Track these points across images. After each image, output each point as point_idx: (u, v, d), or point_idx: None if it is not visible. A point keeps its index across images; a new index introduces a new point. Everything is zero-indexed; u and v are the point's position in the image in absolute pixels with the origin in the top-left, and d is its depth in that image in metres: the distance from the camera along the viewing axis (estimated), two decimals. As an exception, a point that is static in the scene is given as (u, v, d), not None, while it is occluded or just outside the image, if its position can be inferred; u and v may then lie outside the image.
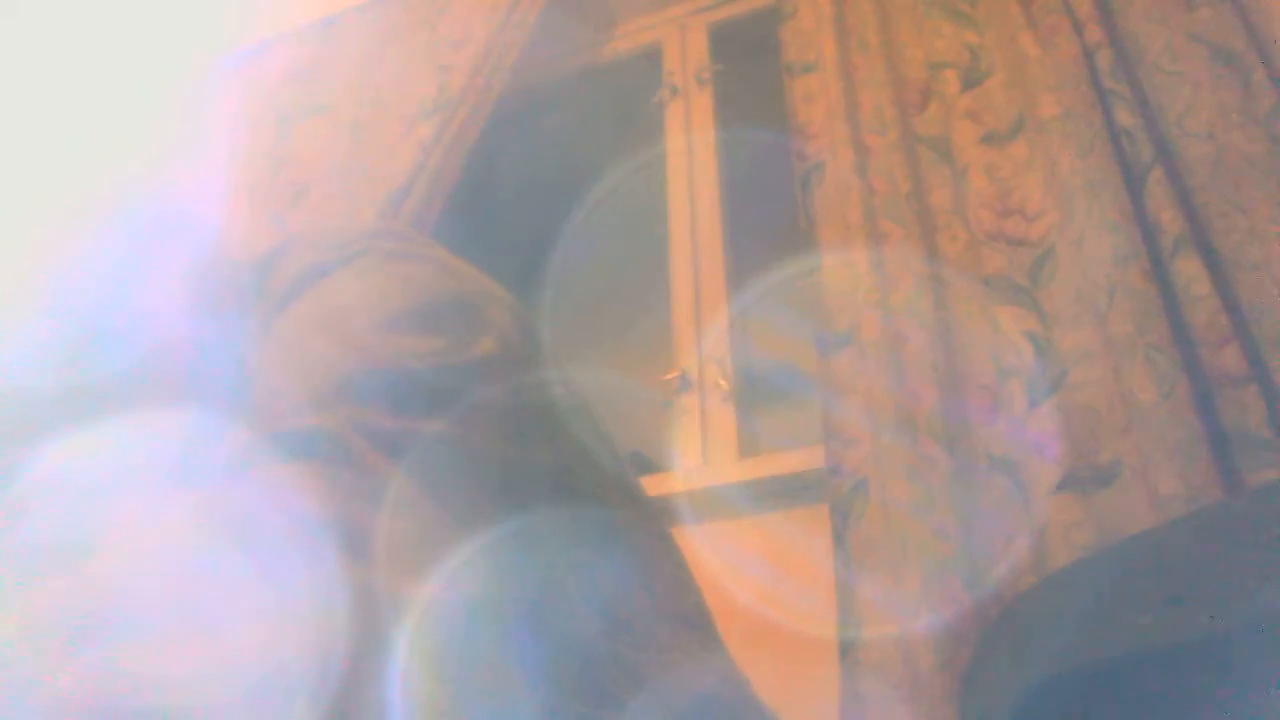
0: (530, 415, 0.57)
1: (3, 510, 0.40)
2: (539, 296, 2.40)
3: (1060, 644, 0.73)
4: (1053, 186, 1.41)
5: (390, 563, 0.40)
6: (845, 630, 1.18)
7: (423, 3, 2.08)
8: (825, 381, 1.37)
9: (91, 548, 0.35)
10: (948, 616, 1.12)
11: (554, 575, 0.53)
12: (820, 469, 1.36)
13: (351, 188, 1.81)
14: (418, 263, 0.59)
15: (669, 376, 1.77)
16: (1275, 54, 1.32)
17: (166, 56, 2.08)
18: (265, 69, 2.16)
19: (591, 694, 0.49)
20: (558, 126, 2.43)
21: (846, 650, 1.17)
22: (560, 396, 0.60)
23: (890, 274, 1.40)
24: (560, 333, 2.24)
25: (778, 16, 1.78)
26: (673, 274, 1.89)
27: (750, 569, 1.42)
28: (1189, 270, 1.22)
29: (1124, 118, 1.36)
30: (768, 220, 1.89)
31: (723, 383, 1.72)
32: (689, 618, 0.61)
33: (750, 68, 2.12)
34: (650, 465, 1.82)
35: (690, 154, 2.02)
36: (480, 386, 0.53)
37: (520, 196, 2.52)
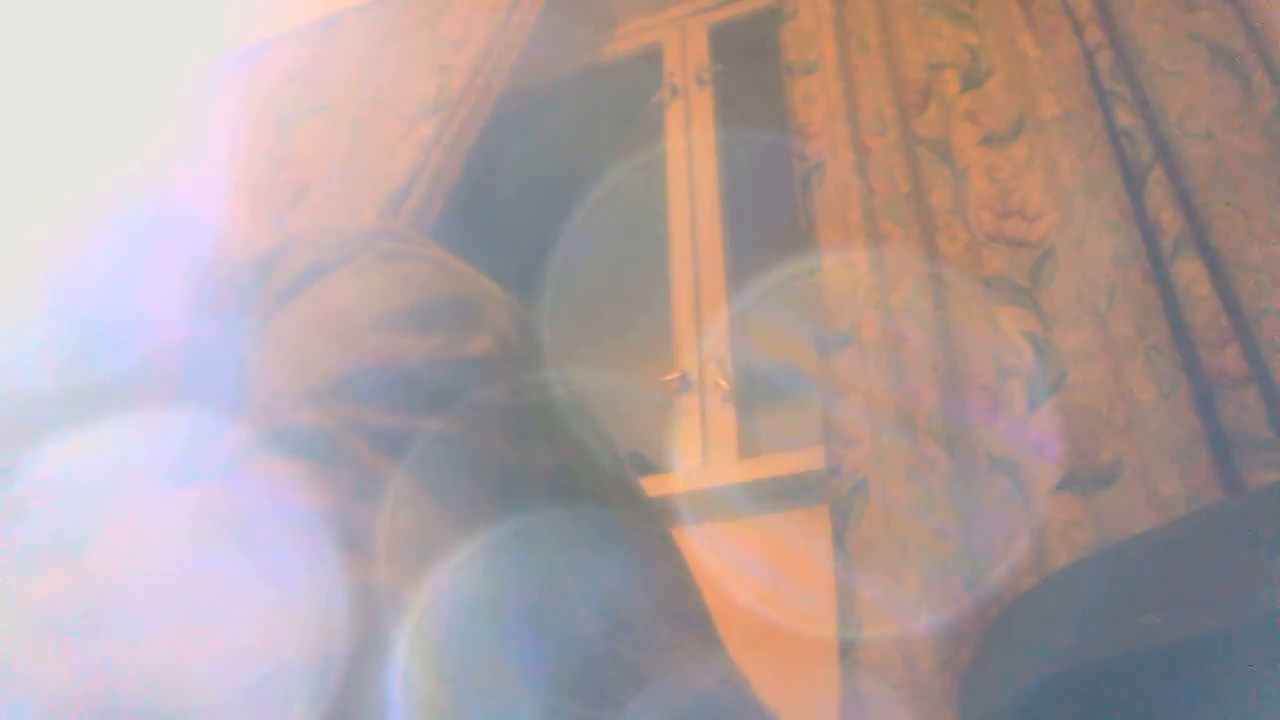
0: (530, 415, 0.57)
1: (3, 510, 0.40)
2: (539, 296, 2.40)
3: (1060, 644, 0.73)
4: (1053, 187, 1.41)
5: (390, 562, 0.40)
6: (845, 630, 1.18)
7: (423, 3, 2.08)
8: (825, 381, 1.37)
9: (91, 547, 0.35)
10: (948, 616, 1.12)
11: (554, 575, 0.53)
12: (820, 469, 1.36)
13: (351, 188, 1.81)
14: (416, 262, 0.59)
15: (669, 377, 1.77)
16: (1275, 54, 1.32)
17: (166, 56, 2.08)
18: (265, 69, 2.16)
19: (591, 694, 0.49)
20: (558, 126, 2.43)
21: (846, 650, 1.17)
22: (560, 396, 0.60)
23: (890, 274, 1.40)
24: (560, 333, 2.24)
25: (778, 17, 1.78)
26: (673, 274, 1.89)
27: (750, 569, 1.42)
28: (1189, 271, 1.22)
29: (1124, 118, 1.36)
30: (768, 220, 1.89)
31: (723, 383, 1.72)
32: (689, 618, 0.61)
33: (750, 68, 2.12)
34: (650, 465, 1.82)
35: (690, 154, 2.02)
36: (479, 386, 0.53)
37: (520, 196, 2.52)
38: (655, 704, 0.51)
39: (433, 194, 1.73)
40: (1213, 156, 1.30)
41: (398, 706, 0.36)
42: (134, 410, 0.50)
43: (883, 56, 1.63)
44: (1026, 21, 1.55)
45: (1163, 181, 1.29)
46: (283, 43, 2.21)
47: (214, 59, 2.21)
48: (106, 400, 0.52)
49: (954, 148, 1.51)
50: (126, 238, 0.65)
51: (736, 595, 1.34)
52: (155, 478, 0.40)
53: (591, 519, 0.58)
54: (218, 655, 0.33)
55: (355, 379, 0.49)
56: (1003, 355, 1.31)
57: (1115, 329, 1.23)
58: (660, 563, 0.62)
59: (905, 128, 1.55)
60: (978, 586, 1.14)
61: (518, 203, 2.52)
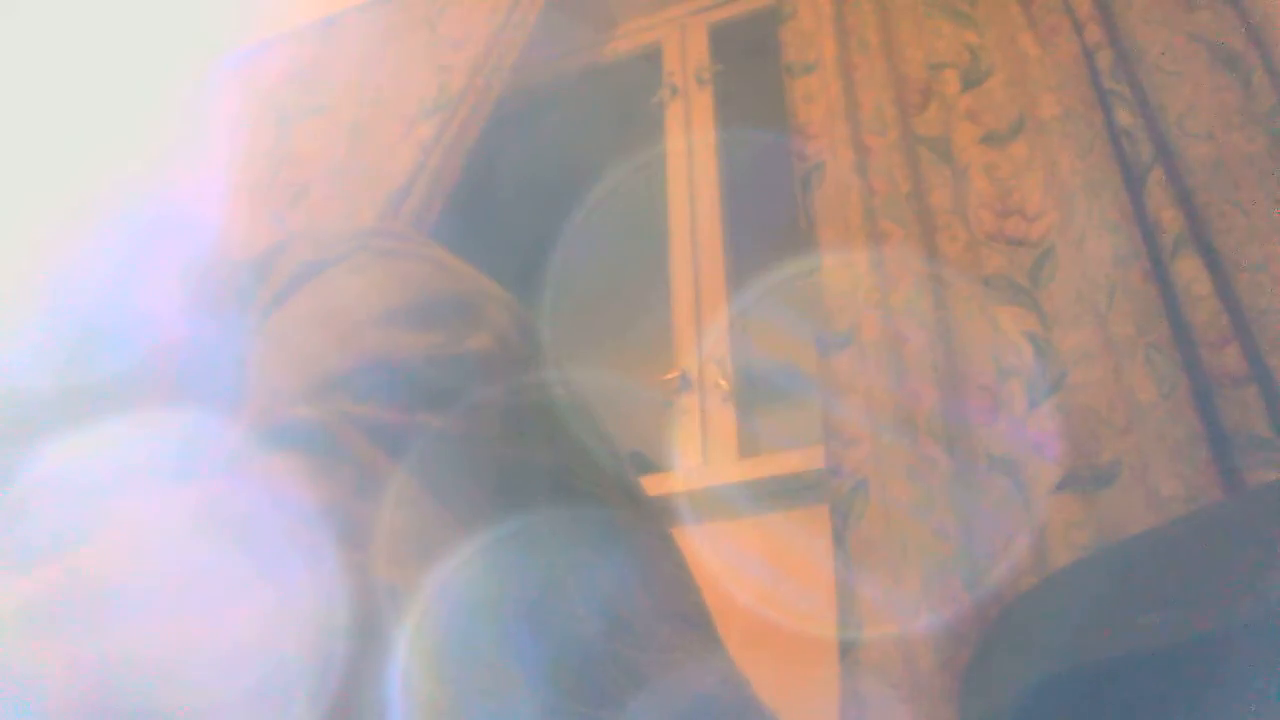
0: (530, 415, 0.57)
1: (3, 510, 0.40)
2: (539, 296, 2.40)
3: (1060, 644, 0.73)
4: (1053, 187, 1.41)
5: (390, 561, 0.40)
6: (845, 630, 1.18)
7: (423, 3, 2.08)
8: (825, 381, 1.37)
9: (89, 547, 0.35)
10: (948, 616, 1.12)
11: (554, 575, 0.53)
12: (820, 469, 1.36)
13: (351, 188, 1.81)
14: (415, 261, 0.59)
15: (669, 376, 1.77)
16: (1275, 54, 1.32)
17: (166, 56, 2.08)
18: (265, 69, 2.16)
19: (591, 694, 0.49)
20: (558, 126, 2.42)
21: (846, 650, 1.17)
22: (560, 396, 0.60)
23: (890, 274, 1.40)
24: (560, 333, 2.24)
25: (778, 16, 1.78)
26: (673, 274, 1.89)
27: (750, 569, 1.42)
28: (1189, 270, 1.22)
29: (1124, 118, 1.36)
30: (768, 220, 1.89)
31: (723, 383, 1.72)
32: (689, 617, 0.61)
33: (750, 68, 2.12)
34: (650, 465, 1.82)
35: (690, 154, 2.02)
36: (478, 384, 0.52)
37: (520, 196, 2.52)
38: (655, 704, 0.51)
39: (433, 194, 1.73)
40: (1213, 156, 1.30)
41: (398, 706, 0.36)
42: (134, 410, 0.50)
43: (883, 56, 1.63)
44: (1026, 21, 1.55)
45: (1163, 181, 1.29)
46: (283, 43, 2.21)
47: (214, 59, 2.21)
48: (106, 400, 0.52)
49: (954, 147, 1.51)
50: (126, 238, 0.65)
51: (736, 595, 1.34)
52: (154, 478, 0.40)
53: (591, 519, 0.58)
54: (217, 654, 0.33)
55: (354, 375, 0.49)
56: (1003, 355, 1.31)
57: (1115, 328, 1.23)
58: (660, 562, 0.62)
59: (905, 127, 1.55)
60: (978, 586, 1.14)
61: (518, 203, 2.52)
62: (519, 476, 0.54)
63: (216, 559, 0.36)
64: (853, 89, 1.61)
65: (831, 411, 1.34)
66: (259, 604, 0.35)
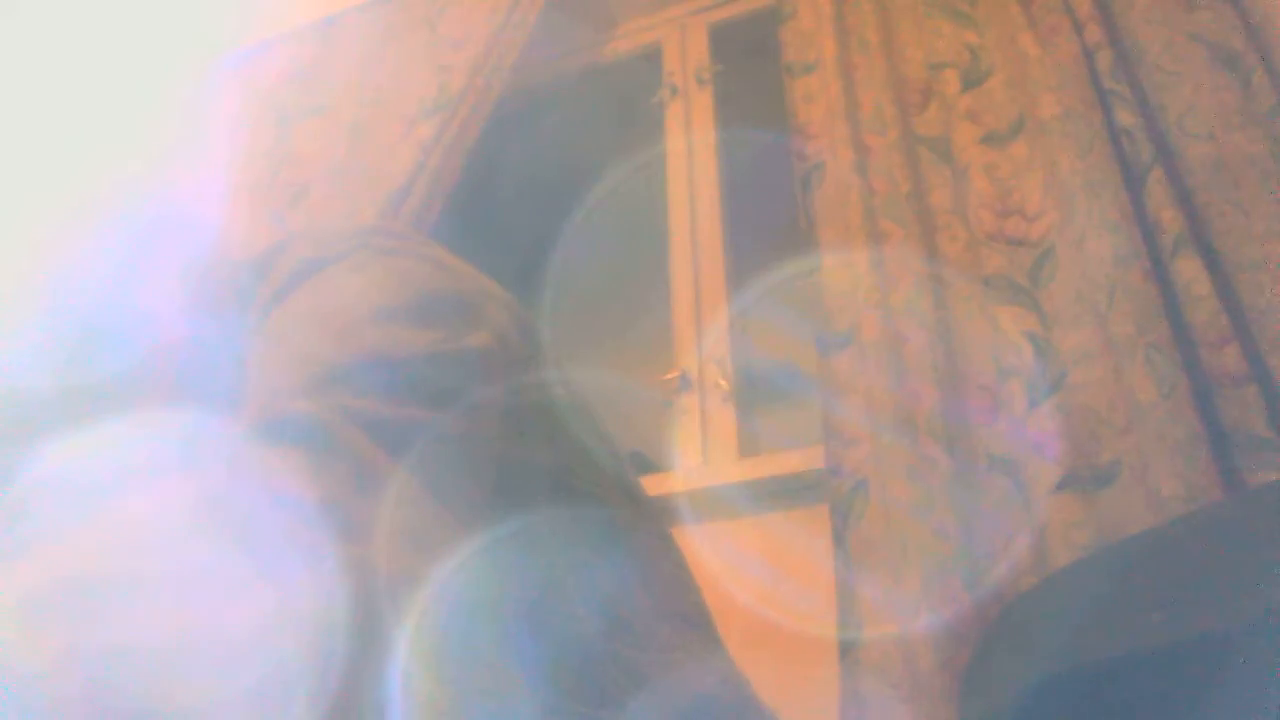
0: (530, 415, 0.57)
1: (3, 510, 0.40)
2: (539, 296, 2.40)
3: (1060, 644, 0.72)
4: (1053, 186, 1.41)
5: (390, 561, 0.40)
6: (845, 630, 1.18)
7: (423, 3, 2.08)
8: (825, 381, 1.37)
9: (87, 542, 0.35)
10: (948, 616, 1.12)
11: (554, 575, 0.53)
12: (820, 469, 1.36)
13: (351, 188, 1.81)
14: (415, 260, 0.59)
15: (669, 376, 1.77)
16: (1275, 54, 1.32)
17: (166, 56, 2.08)
18: (265, 69, 2.16)
19: (591, 694, 0.49)
20: (558, 126, 2.42)
21: (846, 650, 1.17)
22: (560, 396, 0.60)
23: (890, 274, 1.40)
24: (560, 333, 2.24)
25: (778, 16, 1.78)
26: (673, 274, 1.89)
27: (750, 569, 1.42)
28: (1189, 270, 1.22)
29: (1124, 118, 1.36)
30: (768, 220, 1.89)
31: (723, 383, 1.72)
32: (689, 617, 0.61)
33: (750, 68, 2.12)
34: (650, 465, 1.82)
35: (690, 154, 2.01)
36: (477, 382, 0.52)
37: (520, 196, 2.52)
38: (655, 704, 0.51)
39: (433, 194, 1.73)
40: (1213, 156, 1.30)
41: (398, 706, 0.36)
42: (134, 410, 0.50)
43: (883, 56, 1.63)
44: (1026, 21, 1.55)
45: (1163, 181, 1.29)
46: (283, 43, 2.21)
47: (214, 59, 2.21)
48: (106, 400, 0.52)
49: (954, 147, 1.51)
50: (126, 238, 0.65)
51: (736, 595, 1.34)
52: (154, 478, 0.40)
53: (591, 519, 0.58)
54: (216, 652, 0.33)
55: (352, 371, 0.49)
56: (1003, 355, 1.31)
57: (1115, 328, 1.23)
58: (660, 562, 0.62)
59: (905, 127, 1.55)
60: (978, 586, 1.14)
61: (518, 203, 2.52)
62: (519, 476, 0.54)
63: (214, 555, 0.36)
64: (853, 89, 1.61)
65: (831, 411, 1.34)
66: (257, 601, 0.35)
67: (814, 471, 1.44)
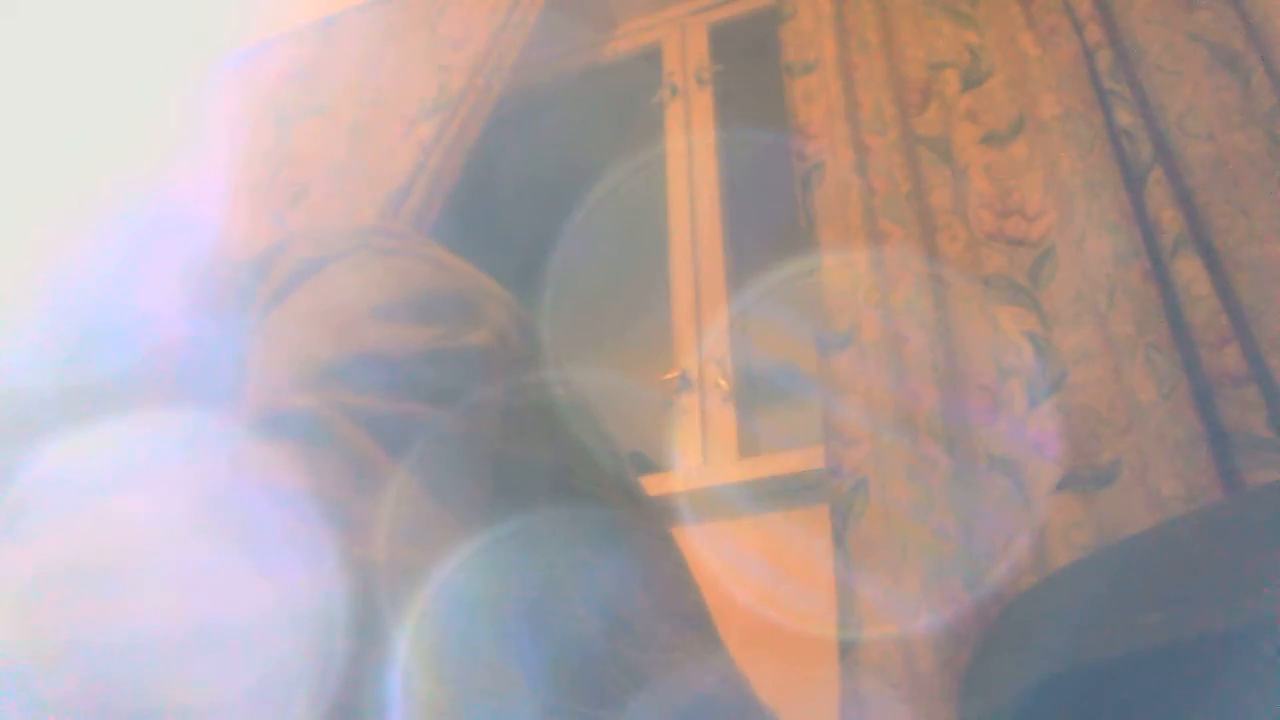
0: (530, 415, 0.57)
1: (3, 510, 0.40)
2: (539, 296, 2.40)
3: (1060, 644, 0.73)
4: (1053, 186, 1.41)
5: (390, 560, 0.40)
6: (845, 630, 1.18)
7: (423, 3, 2.08)
8: (825, 381, 1.37)
9: (88, 544, 0.35)
10: (948, 616, 1.12)
11: (554, 575, 0.53)
12: (820, 469, 1.36)
13: (351, 188, 1.81)
14: (415, 259, 0.59)
15: (669, 376, 1.77)
16: (1275, 54, 1.32)
17: (166, 56, 2.08)
18: (265, 69, 2.16)
19: (591, 694, 0.49)
20: (558, 126, 2.42)
21: (846, 650, 1.17)
22: (560, 396, 0.60)
23: (890, 274, 1.40)
24: (560, 333, 2.24)
25: (778, 16, 1.78)
26: (673, 274, 1.89)
27: (750, 569, 1.42)
28: (1189, 270, 1.22)
29: (1124, 118, 1.36)
30: (768, 220, 1.89)
31: (723, 383, 1.72)
32: (689, 617, 0.61)
33: (750, 68, 2.12)
34: (650, 465, 1.82)
35: (690, 154, 2.02)
36: (477, 380, 0.52)
37: (520, 196, 2.52)
38: (655, 703, 0.51)
39: (433, 194, 1.73)
40: (1213, 156, 1.30)
41: (398, 706, 0.36)
42: (134, 410, 0.50)
43: (883, 56, 1.63)
44: (1026, 21, 1.55)
45: (1162, 181, 1.29)
46: (283, 43, 2.21)
47: (214, 59, 2.21)
48: (106, 400, 0.52)
49: (954, 147, 1.51)
50: (126, 238, 0.65)
51: (736, 595, 1.34)
52: (154, 478, 0.40)
53: (591, 519, 0.58)
54: (217, 651, 0.33)
55: (351, 367, 0.49)
56: (1003, 355, 1.31)
57: (1115, 328, 1.23)
58: (660, 562, 0.62)
59: (905, 127, 1.55)
60: (978, 586, 1.14)
61: (518, 203, 2.52)
62: (519, 476, 0.54)
63: (213, 550, 0.36)
64: (853, 89, 1.61)
65: (831, 411, 1.34)
66: (256, 597, 0.35)
67: (814, 471, 1.44)
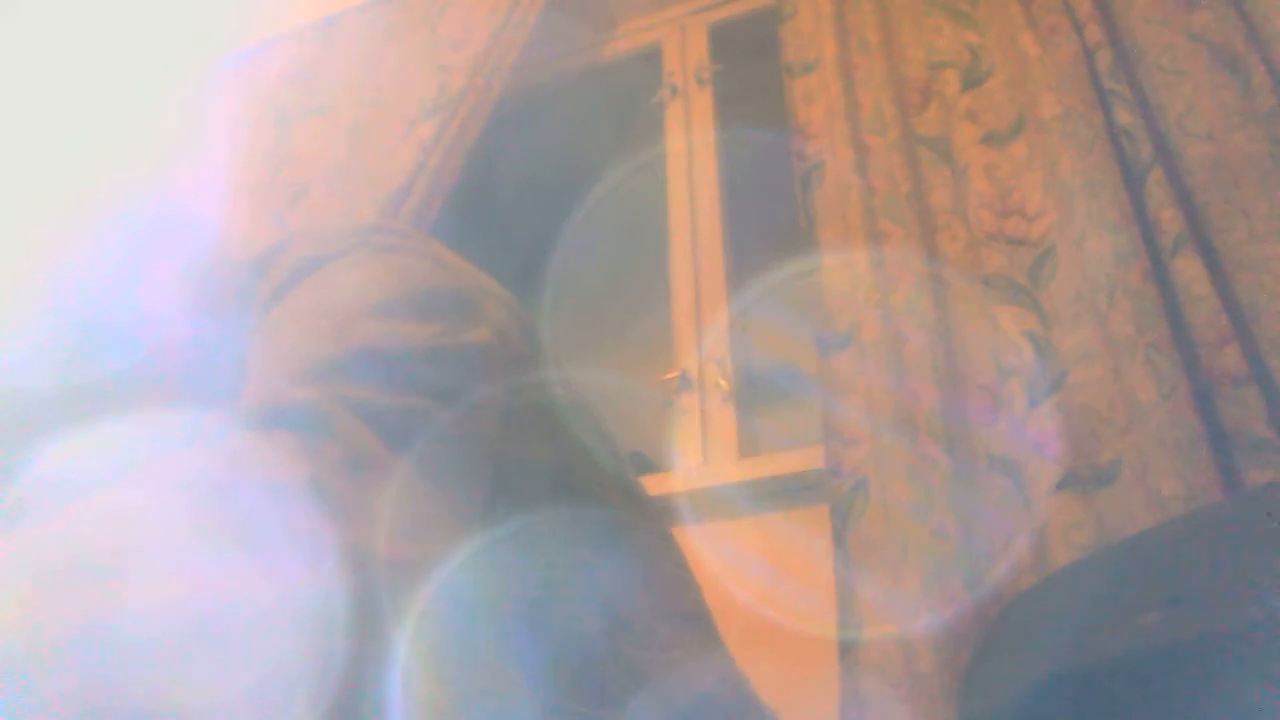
0: (530, 414, 0.57)
1: (3, 510, 0.40)
2: (539, 296, 2.40)
3: (1060, 644, 0.73)
4: (1053, 186, 1.41)
5: (390, 559, 0.40)
6: (845, 630, 1.18)
7: (423, 3, 2.08)
8: (825, 381, 1.37)
9: (89, 545, 0.35)
10: (948, 616, 1.12)
11: (554, 575, 0.53)
12: (820, 469, 1.36)
13: (351, 188, 1.81)
14: (414, 257, 0.59)
15: (669, 376, 1.77)
16: (1275, 54, 1.32)
17: (166, 56, 2.08)
18: (265, 69, 2.16)
19: (591, 693, 0.49)
20: (558, 126, 2.42)
21: (846, 650, 1.17)
22: (560, 396, 0.60)
23: (890, 274, 1.40)
24: (560, 333, 2.24)
25: (778, 16, 1.78)
26: (673, 274, 1.89)
27: (750, 569, 1.42)
28: (1189, 270, 1.22)
29: (1124, 118, 1.36)
30: (768, 220, 1.89)
31: (723, 383, 1.72)
32: (689, 616, 0.61)
33: (750, 68, 2.12)
34: (650, 465, 1.82)
35: (690, 154, 2.02)
36: (477, 378, 0.52)
37: (520, 196, 2.52)
38: (655, 703, 0.51)
39: (433, 194, 1.73)
40: (1212, 156, 1.30)
41: (398, 706, 0.36)
42: (134, 410, 0.50)
43: (883, 55, 1.63)
44: (1026, 21, 1.55)
45: (1162, 181, 1.29)
46: (283, 43, 2.21)
47: (214, 59, 2.21)
48: (106, 400, 0.52)
49: (954, 147, 1.51)
50: (127, 238, 0.65)
51: (736, 595, 1.34)
52: (154, 478, 0.40)
53: (591, 518, 0.58)
54: (218, 655, 0.33)
55: (350, 362, 0.49)
56: (1003, 355, 1.31)
57: (1115, 328, 1.23)
58: (660, 562, 0.63)
59: (905, 127, 1.55)
60: (978, 586, 1.14)
61: (518, 203, 2.52)
62: (519, 476, 0.54)
63: (213, 546, 0.36)
64: (853, 89, 1.61)
65: (831, 411, 1.34)
66: (256, 593, 0.35)
67: (814, 471, 1.44)
